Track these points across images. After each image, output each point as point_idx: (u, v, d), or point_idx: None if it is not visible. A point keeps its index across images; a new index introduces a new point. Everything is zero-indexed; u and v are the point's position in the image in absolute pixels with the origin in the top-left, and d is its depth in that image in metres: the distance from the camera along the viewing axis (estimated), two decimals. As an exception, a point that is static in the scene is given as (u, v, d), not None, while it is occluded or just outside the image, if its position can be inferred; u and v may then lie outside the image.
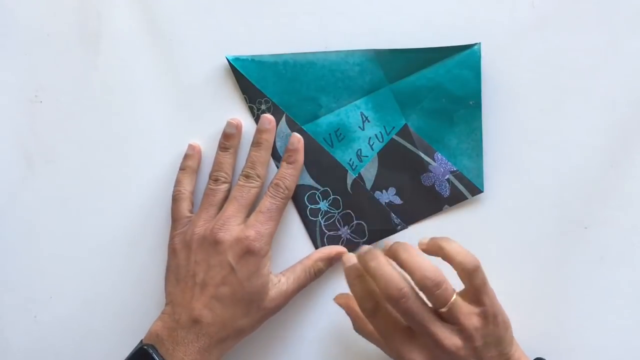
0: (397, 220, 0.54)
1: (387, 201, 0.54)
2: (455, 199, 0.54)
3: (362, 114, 0.54)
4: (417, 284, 0.45)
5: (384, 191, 0.54)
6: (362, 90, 0.54)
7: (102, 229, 0.56)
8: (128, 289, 0.56)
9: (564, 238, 0.53)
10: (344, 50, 0.54)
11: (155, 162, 0.56)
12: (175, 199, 0.54)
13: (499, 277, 0.51)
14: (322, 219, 0.54)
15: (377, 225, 0.54)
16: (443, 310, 0.45)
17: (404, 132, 0.54)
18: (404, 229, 0.54)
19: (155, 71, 0.55)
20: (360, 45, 0.54)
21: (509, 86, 0.53)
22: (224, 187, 0.53)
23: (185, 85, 0.55)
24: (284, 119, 0.54)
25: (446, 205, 0.54)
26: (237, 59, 0.54)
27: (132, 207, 0.56)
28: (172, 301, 0.51)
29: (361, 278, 0.47)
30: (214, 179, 0.53)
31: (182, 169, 0.55)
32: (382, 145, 0.54)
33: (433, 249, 0.47)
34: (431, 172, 0.54)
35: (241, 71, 0.54)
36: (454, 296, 0.45)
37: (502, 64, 0.53)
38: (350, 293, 0.48)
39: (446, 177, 0.54)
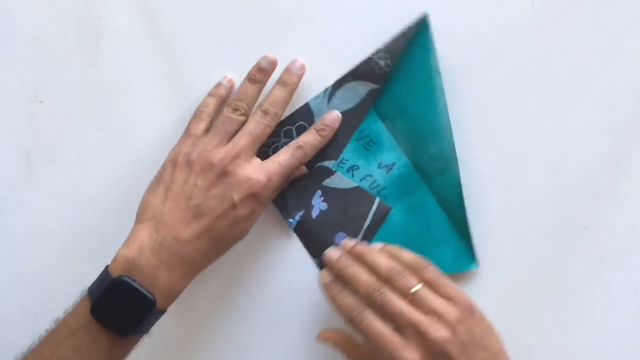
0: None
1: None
2: None
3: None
4: (383, 278, 0.47)
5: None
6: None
7: (102, 229, 0.56)
8: (128, 289, 0.56)
9: (564, 238, 0.53)
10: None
11: (155, 161, 0.56)
12: (195, 117, 0.52)
13: (498, 277, 0.51)
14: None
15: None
16: (409, 298, 0.46)
17: None
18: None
19: (155, 71, 0.55)
20: (359, 46, 0.54)
21: (509, 86, 0.53)
22: (242, 119, 0.51)
23: (184, 85, 0.55)
24: None
25: None
26: None
27: (132, 207, 0.56)
28: (155, 217, 0.48)
29: (342, 292, 0.48)
30: (233, 107, 0.51)
31: (212, 95, 0.53)
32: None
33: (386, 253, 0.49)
34: None
35: None
36: (419, 285, 0.46)
37: (501, 64, 0.53)
38: (325, 330, 0.51)
39: None
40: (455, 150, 0.52)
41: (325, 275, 0.50)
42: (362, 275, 0.47)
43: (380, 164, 0.55)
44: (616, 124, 0.53)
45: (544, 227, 0.53)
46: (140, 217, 0.49)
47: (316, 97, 0.54)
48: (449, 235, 0.54)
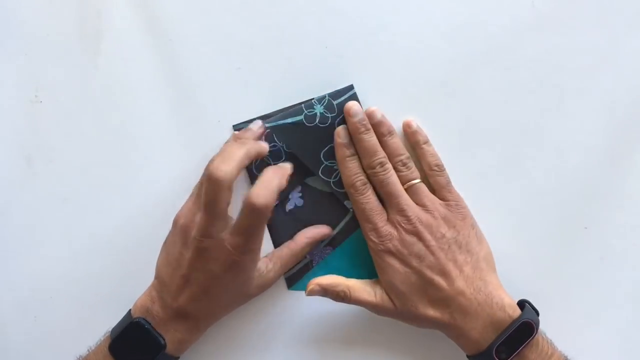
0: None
1: (291, 207, 0.55)
2: None
3: None
4: (392, 160, 0.51)
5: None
6: None
7: (102, 229, 0.56)
8: (128, 289, 0.55)
9: (564, 238, 0.53)
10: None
11: (155, 161, 0.56)
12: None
13: (498, 276, 0.51)
14: None
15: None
16: (405, 187, 0.50)
17: None
18: None
19: (155, 71, 0.55)
20: (359, 45, 0.54)
21: (509, 86, 0.54)
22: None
23: (184, 85, 0.55)
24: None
25: None
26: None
27: (132, 207, 0.56)
28: (159, 277, 0.51)
29: (353, 157, 0.51)
30: None
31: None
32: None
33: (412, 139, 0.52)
34: None
35: None
36: (418, 180, 0.51)
37: (501, 64, 0.53)
38: (314, 280, 0.50)
39: None
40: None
41: (343, 133, 0.51)
42: (376, 147, 0.50)
43: None
44: (616, 124, 0.53)
45: (544, 227, 0.53)
46: (155, 274, 0.52)
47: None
48: None
